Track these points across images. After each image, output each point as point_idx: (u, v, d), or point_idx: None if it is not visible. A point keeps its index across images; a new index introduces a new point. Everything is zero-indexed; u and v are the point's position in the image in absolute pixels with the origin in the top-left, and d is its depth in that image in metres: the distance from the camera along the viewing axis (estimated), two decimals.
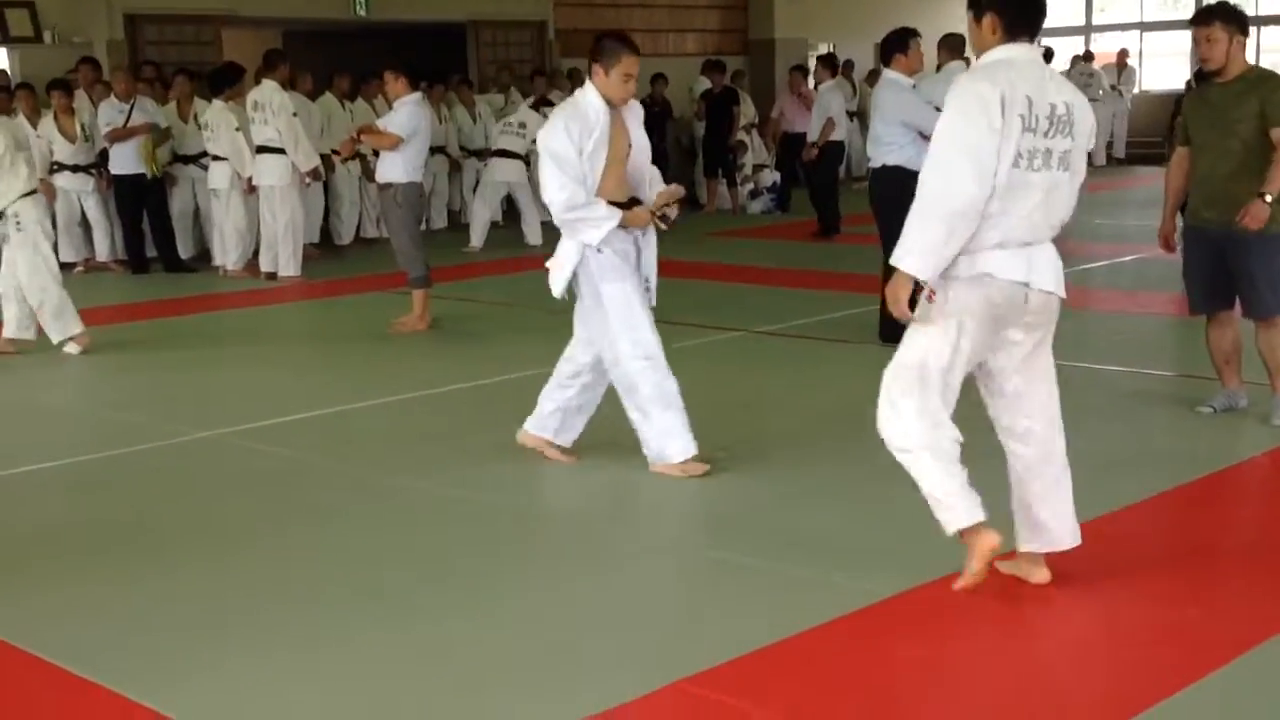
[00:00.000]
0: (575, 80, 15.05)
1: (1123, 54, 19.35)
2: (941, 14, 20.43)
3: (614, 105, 5.06)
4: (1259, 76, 5.54)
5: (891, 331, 7.40)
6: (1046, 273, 3.71)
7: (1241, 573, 4.14)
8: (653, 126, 15.79)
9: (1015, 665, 3.52)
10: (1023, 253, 3.67)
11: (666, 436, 5.09)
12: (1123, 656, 3.54)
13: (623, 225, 5.11)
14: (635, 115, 5.22)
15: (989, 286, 3.65)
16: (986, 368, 3.83)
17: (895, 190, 7.34)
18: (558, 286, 5.24)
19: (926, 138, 7.39)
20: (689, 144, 16.46)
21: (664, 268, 11.50)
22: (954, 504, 3.70)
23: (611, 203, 5.09)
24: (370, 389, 6.85)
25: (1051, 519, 3.88)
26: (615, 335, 5.11)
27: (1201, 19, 5.51)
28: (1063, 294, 3.78)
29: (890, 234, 7.16)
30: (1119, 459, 5.13)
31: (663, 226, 5.27)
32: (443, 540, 4.61)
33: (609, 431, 5.95)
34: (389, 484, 5.26)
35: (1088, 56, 19.34)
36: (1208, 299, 5.68)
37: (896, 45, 7.58)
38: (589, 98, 5.03)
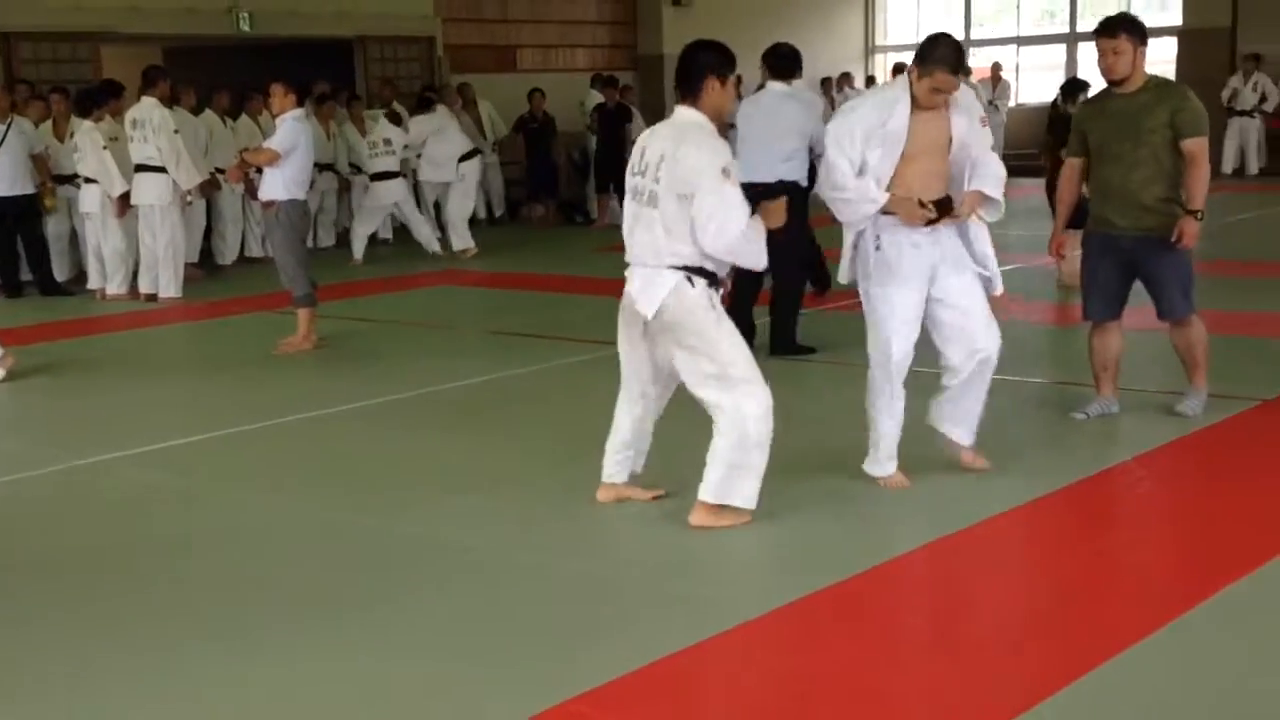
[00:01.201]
0: (465, 94, 15.01)
1: (996, 68, 19.75)
2: (825, 29, 20.75)
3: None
4: (1163, 86, 5.65)
5: (783, 347, 7.51)
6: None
7: (1101, 579, 4.22)
8: (540, 142, 15.90)
9: (878, 677, 3.54)
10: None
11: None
12: (979, 665, 3.60)
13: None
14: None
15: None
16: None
17: (796, 202, 7.39)
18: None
19: (814, 155, 7.52)
20: (581, 159, 16.44)
21: (554, 283, 11.51)
22: None
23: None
24: (255, 412, 6.71)
25: None
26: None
27: (1107, 31, 5.55)
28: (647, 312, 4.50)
29: (788, 251, 7.25)
30: (996, 464, 5.19)
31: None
32: (321, 566, 4.52)
33: (495, 457, 5.91)
34: (273, 507, 5.16)
35: (966, 72, 19.68)
36: (1106, 306, 5.75)
37: (796, 62, 7.64)
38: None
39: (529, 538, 4.72)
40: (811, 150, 7.52)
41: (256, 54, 15.15)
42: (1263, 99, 17.00)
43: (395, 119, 12.91)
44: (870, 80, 19.88)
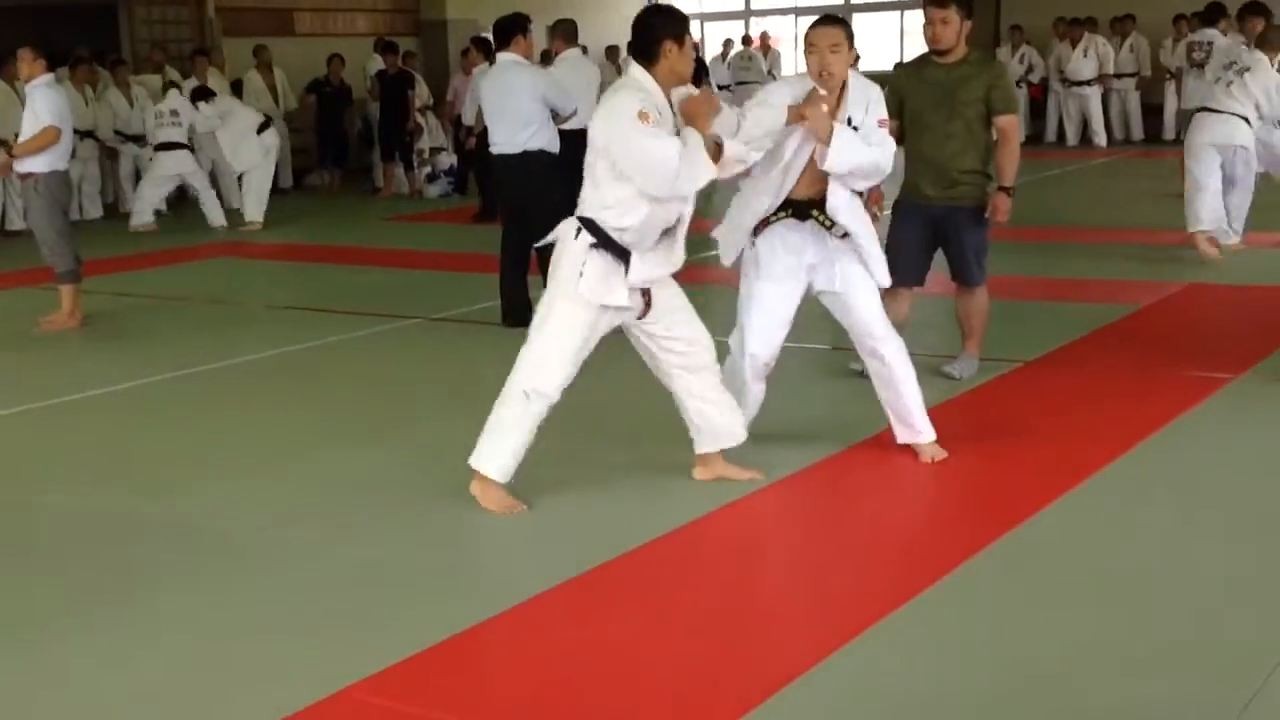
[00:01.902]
0: (261, 57, 14.50)
1: (764, 37, 20.12)
2: (604, 3, 20.73)
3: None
4: (981, 60, 5.77)
5: (513, 317, 7.47)
6: None
7: (871, 542, 4.36)
8: (333, 109, 15.49)
9: (661, 644, 3.58)
10: None
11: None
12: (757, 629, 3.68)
13: None
14: None
15: None
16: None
17: (541, 174, 7.41)
18: None
19: (557, 119, 7.54)
20: (364, 127, 16.09)
21: (339, 255, 11.23)
22: None
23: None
24: (15, 395, 6.37)
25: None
26: None
27: (938, 1, 5.64)
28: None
29: (542, 218, 7.21)
30: (778, 431, 5.29)
31: None
32: (95, 561, 4.32)
33: (272, 437, 5.76)
34: (37, 497, 4.91)
35: (745, 40, 20.03)
36: (907, 273, 5.79)
37: (517, 28, 7.54)
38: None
39: (306, 521, 4.59)
40: (555, 115, 7.52)
41: (9, 16, 14.29)
42: (1029, 69, 17.75)
43: (201, 95, 12.54)
44: None
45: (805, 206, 4.73)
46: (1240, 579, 3.84)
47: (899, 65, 6.12)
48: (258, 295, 9.26)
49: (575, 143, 8.44)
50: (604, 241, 4.40)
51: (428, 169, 15.21)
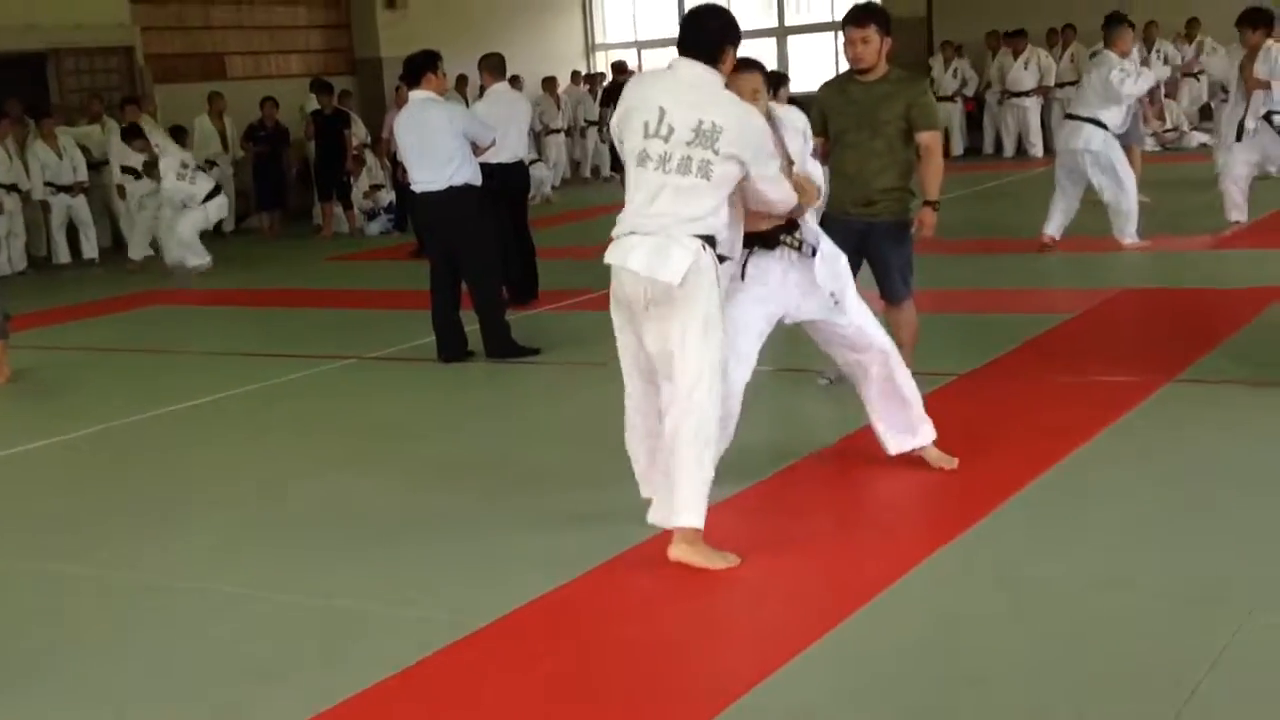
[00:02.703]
0: (215, 104, 14.43)
1: None
2: (543, 28, 20.79)
3: None
4: (901, 78, 5.78)
5: (447, 353, 7.42)
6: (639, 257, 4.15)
7: (795, 567, 4.32)
8: (270, 152, 15.40)
9: (593, 680, 3.52)
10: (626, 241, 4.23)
11: None
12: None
13: None
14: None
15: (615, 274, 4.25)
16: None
17: (471, 209, 7.38)
18: None
19: (477, 152, 7.51)
20: (302, 168, 15.99)
21: (278, 298, 11.12)
22: None
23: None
24: None
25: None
26: None
27: (857, 20, 5.65)
28: (661, 276, 4.08)
29: (476, 251, 7.23)
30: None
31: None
32: (12, 616, 4.21)
33: (202, 486, 5.67)
34: None
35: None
36: None
37: (427, 65, 7.48)
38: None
39: (231, 569, 4.50)
40: (475, 147, 7.48)
41: None
42: (963, 84, 17.91)
43: (126, 134, 12.55)
44: (590, 78, 19.96)
45: (771, 235, 4.63)
46: (1174, 586, 3.82)
47: (825, 83, 6.12)
48: (192, 342, 9.14)
49: (500, 174, 8.58)
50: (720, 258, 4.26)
51: (368, 206, 15.14)
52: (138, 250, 12.85)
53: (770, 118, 4.53)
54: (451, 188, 7.31)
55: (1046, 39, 17.37)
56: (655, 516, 4.36)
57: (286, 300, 10.66)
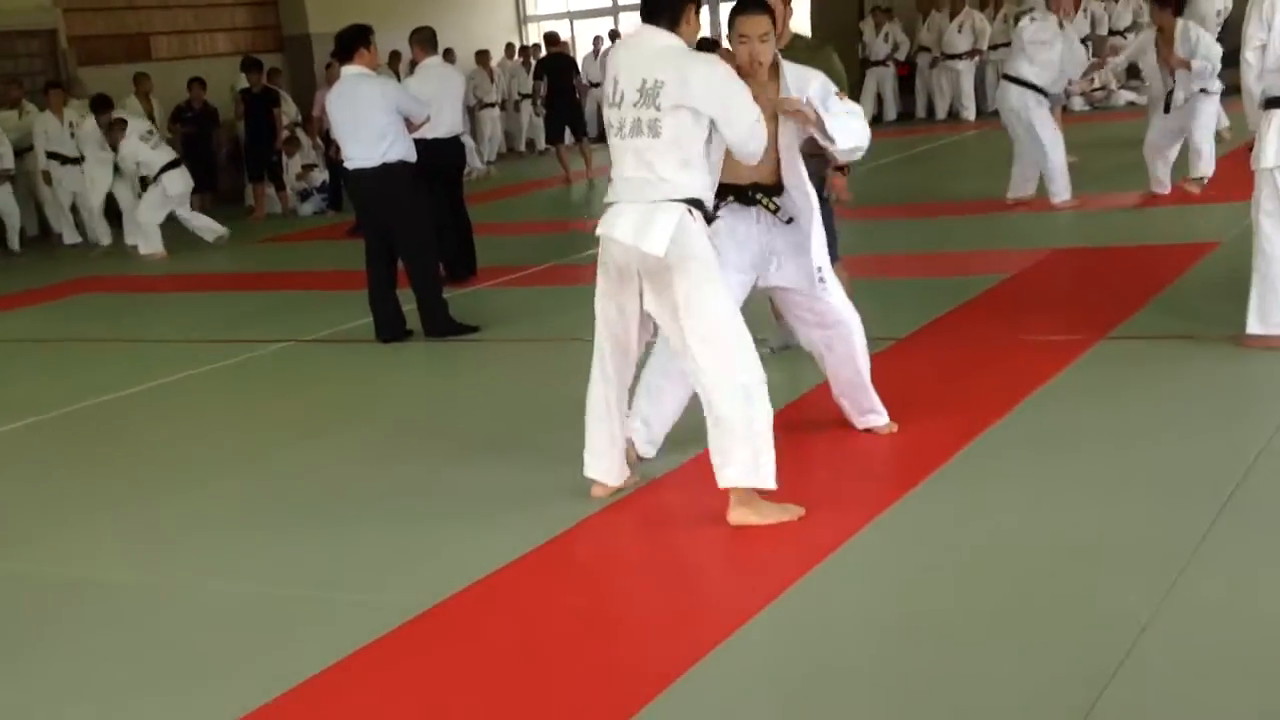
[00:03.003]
0: (141, 85, 14.21)
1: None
2: (474, 2, 20.59)
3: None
4: (808, 47, 5.71)
5: (386, 333, 7.37)
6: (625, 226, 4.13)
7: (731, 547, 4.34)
8: (199, 133, 15.19)
9: (531, 666, 3.52)
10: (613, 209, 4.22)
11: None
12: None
13: None
14: None
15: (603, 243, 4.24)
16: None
17: (405, 186, 7.32)
18: None
19: (411, 127, 7.44)
20: (233, 148, 15.78)
21: (207, 282, 10.98)
22: None
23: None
24: None
25: None
26: None
27: (756, 8, 5.57)
28: (645, 247, 4.07)
29: (411, 228, 7.16)
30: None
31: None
32: None
33: (127, 478, 5.60)
34: None
35: (614, 36, 20.01)
36: None
37: (359, 40, 7.37)
38: None
39: (169, 561, 4.46)
40: (409, 123, 7.41)
41: None
42: (894, 48, 17.97)
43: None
44: (524, 50, 19.82)
45: (748, 191, 4.59)
46: (1107, 543, 3.87)
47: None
48: (123, 330, 9.01)
49: (434, 150, 8.52)
50: (708, 219, 4.24)
51: (301, 186, 14.97)
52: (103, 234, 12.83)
53: (776, 66, 4.54)
54: (385, 164, 7.24)
55: (979, 1, 17.44)
56: (594, 470, 4.46)
57: (219, 284, 10.53)
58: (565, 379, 6.31)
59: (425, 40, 9.31)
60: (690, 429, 5.00)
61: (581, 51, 19.74)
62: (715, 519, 4.26)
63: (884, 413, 4.97)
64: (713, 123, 4.16)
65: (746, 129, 4.16)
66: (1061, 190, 9.57)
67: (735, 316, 4.21)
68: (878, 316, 6.57)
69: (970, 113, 17.21)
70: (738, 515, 4.14)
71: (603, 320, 4.39)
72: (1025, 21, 9.71)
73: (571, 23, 21.34)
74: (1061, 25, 9.61)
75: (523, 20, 21.74)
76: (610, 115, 4.23)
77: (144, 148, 11.76)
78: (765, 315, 5.81)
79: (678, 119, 4.09)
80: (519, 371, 6.69)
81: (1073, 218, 9.39)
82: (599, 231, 4.29)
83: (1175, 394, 5.18)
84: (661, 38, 4.19)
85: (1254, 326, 5.50)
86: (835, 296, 4.75)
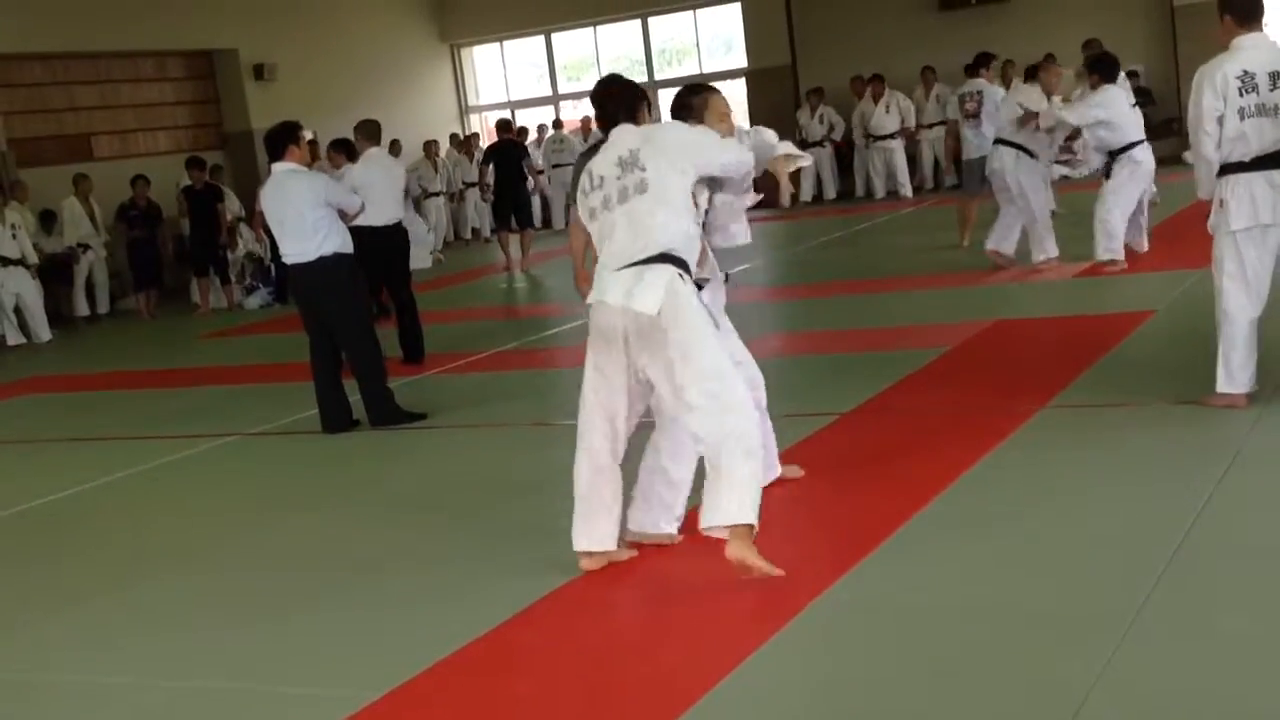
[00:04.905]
0: (81, 186, 14.16)
1: (586, 121, 20.39)
2: (415, 93, 20.80)
3: None
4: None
5: (332, 424, 7.38)
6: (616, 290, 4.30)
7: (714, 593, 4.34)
8: (143, 231, 15.12)
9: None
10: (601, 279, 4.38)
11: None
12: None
13: None
14: None
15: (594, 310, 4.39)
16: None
17: (342, 278, 7.34)
18: None
19: (344, 217, 7.49)
20: (178, 245, 15.76)
21: (151, 379, 10.85)
22: None
23: None
24: None
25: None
26: None
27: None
28: (637, 306, 4.23)
29: (351, 319, 7.20)
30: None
31: None
32: None
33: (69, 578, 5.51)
34: None
35: (557, 124, 20.27)
36: None
37: (288, 138, 7.43)
38: None
39: (109, 659, 4.39)
40: (343, 215, 7.47)
41: None
42: (830, 129, 18.28)
43: None
44: (467, 140, 19.98)
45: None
46: (1049, 613, 3.90)
47: (583, 154, 6.36)
48: (68, 429, 8.90)
49: (378, 237, 8.62)
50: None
51: (247, 280, 14.97)
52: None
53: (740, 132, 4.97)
54: (321, 258, 7.27)
55: (921, 78, 17.75)
56: (583, 542, 4.51)
57: (164, 381, 10.46)
58: (511, 465, 6.36)
59: (369, 132, 9.50)
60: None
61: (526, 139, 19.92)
62: (659, 599, 4.26)
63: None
64: (710, 181, 4.53)
65: (732, 157, 4.51)
66: (1038, 251, 9.99)
67: (732, 370, 4.32)
68: (823, 391, 6.70)
69: (908, 190, 17.51)
70: (736, 549, 4.20)
71: (591, 390, 4.44)
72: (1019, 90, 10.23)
73: (513, 112, 21.58)
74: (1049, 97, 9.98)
75: (464, 110, 21.97)
76: (592, 200, 4.44)
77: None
78: None
79: (659, 170, 4.33)
80: (464, 457, 6.69)
81: (1013, 290, 9.55)
82: (589, 300, 4.42)
83: (1113, 461, 5.25)
84: (629, 129, 4.52)
85: (1223, 385, 5.63)
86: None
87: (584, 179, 4.53)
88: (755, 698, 3.53)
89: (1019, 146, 9.89)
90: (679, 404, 4.26)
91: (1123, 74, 10.12)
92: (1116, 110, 9.46)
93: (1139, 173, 9.59)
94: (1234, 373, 5.60)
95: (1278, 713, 3.16)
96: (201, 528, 5.93)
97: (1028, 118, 9.74)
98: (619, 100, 4.62)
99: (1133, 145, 9.50)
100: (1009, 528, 4.63)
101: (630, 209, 4.32)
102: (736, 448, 4.19)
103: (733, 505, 4.19)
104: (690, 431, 4.32)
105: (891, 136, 17.57)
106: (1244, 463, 4.99)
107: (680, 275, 4.28)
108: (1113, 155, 9.57)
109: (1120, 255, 9.50)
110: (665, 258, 4.28)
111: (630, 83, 4.71)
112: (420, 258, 16.54)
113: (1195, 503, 4.55)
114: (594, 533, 4.51)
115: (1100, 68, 9.64)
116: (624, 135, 4.50)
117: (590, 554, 4.52)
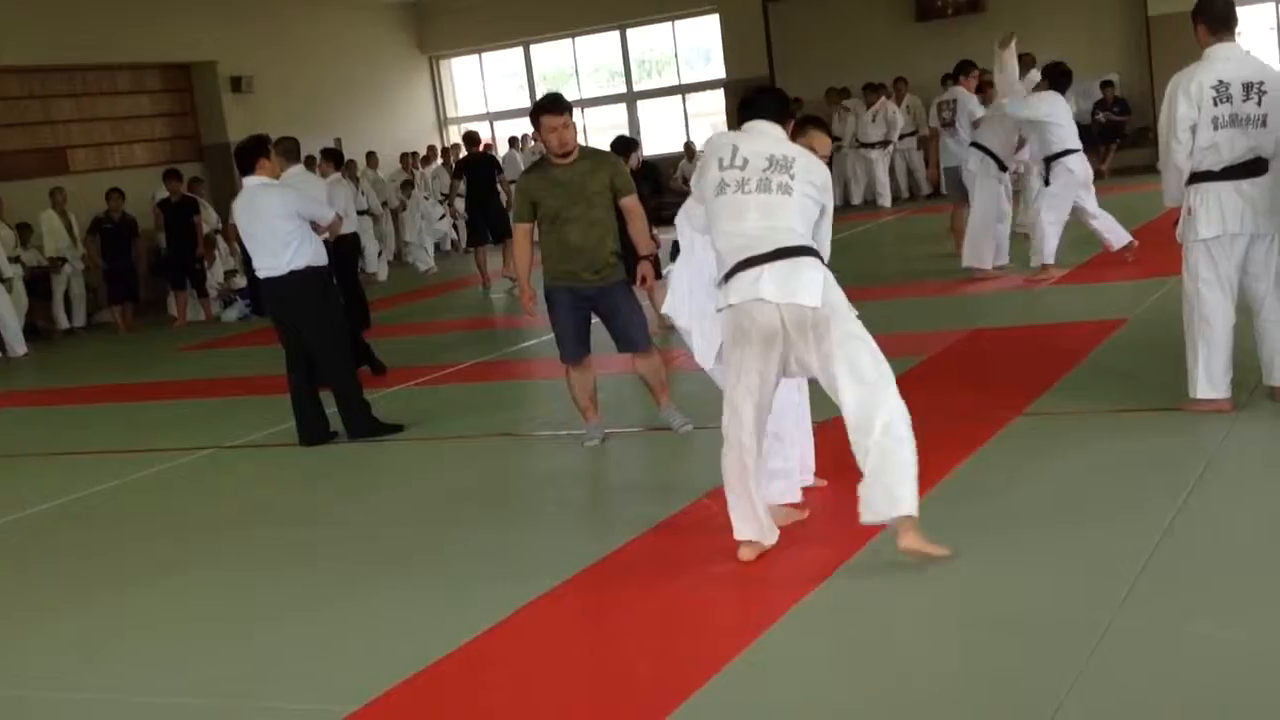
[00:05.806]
0: (56, 199, 14.07)
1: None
2: (393, 106, 20.80)
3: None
4: (596, 155, 6.42)
5: (309, 436, 7.36)
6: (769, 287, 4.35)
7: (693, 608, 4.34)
8: (119, 244, 15.12)
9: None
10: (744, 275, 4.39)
11: None
12: None
13: None
14: None
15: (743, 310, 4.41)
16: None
17: (314, 291, 7.32)
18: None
19: (317, 230, 7.48)
20: (154, 258, 15.70)
21: (127, 392, 10.80)
22: None
23: None
24: None
25: None
26: None
27: (556, 109, 6.21)
28: (802, 300, 4.32)
29: (324, 332, 7.20)
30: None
31: None
32: None
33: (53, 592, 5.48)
34: None
35: (525, 140, 20.29)
36: (578, 346, 6.43)
37: (258, 151, 7.38)
38: None
39: (88, 674, 4.37)
40: (315, 227, 7.46)
41: None
42: None
43: None
44: (445, 151, 19.98)
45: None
46: (1023, 621, 3.91)
47: (525, 173, 6.52)
48: (36, 445, 8.86)
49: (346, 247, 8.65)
50: None
51: (224, 292, 14.93)
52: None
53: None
54: (293, 271, 7.25)
55: (894, 88, 17.87)
56: (746, 532, 4.55)
57: (140, 394, 10.41)
58: (488, 475, 6.35)
59: (287, 150, 9.09)
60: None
61: (501, 150, 19.92)
62: (641, 610, 4.25)
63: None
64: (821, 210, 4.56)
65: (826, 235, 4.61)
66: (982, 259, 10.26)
67: (884, 359, 4.41)
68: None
69: (886, 200, 17.57)
70: (912, 540, 4.28)
71: (744, 390, 4.44)
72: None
73: (491, 123, 21.61)
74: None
75: (444, 122, 21.98)
76: (728, 175, 4.45)
77: None
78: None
79: (805, 190, 4.43)
80: (442, 469, 6.68)
81: (988, 298, 9.58)
82: (733, 301, 4.40)
83: (1088, 468, 5.27)
84: (774, 129, 4.57)
85: (1203, 391, 5.67)
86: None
87: (724, 152, 4.50)
88: (727, 712, 3.52)
89: (985, 149, 10.27)
90: (840, 388, 4.34)
91: (1070, 93, 10.32)
92: (1060, 113, 9.74)
93: (1072, 181, 9.83)
94: (1216, 378, 5.63)
95: (1249, 716, 3.17)
96: (177, 541, 5.91)
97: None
98: (766, 102, 4.66)
99: (1069, 152, 9.75)
100: (983, 535, 4.64)
101: (769, 200, 4.39)
102: (901, 426, 4.32)
103: (906, 496, 4.28)
104: (853, 412, 4.35)
105: (874, 145, 17.68)
106: (1218, 468, 5.03)
107: (820, 262, 4.43)
108: (1048, 162, 9.81)
109: (1051, 261, 9.88)
110: (808, 250, 4.42)
111: (779, 93, 4.87)
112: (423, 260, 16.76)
113: (1169, 508, 4.57)
114: (748, 528, 4.56)
115: (1052, 74, 10.07)
116: (776, 136, 4.53)
117: (750, 543, 4.57)
